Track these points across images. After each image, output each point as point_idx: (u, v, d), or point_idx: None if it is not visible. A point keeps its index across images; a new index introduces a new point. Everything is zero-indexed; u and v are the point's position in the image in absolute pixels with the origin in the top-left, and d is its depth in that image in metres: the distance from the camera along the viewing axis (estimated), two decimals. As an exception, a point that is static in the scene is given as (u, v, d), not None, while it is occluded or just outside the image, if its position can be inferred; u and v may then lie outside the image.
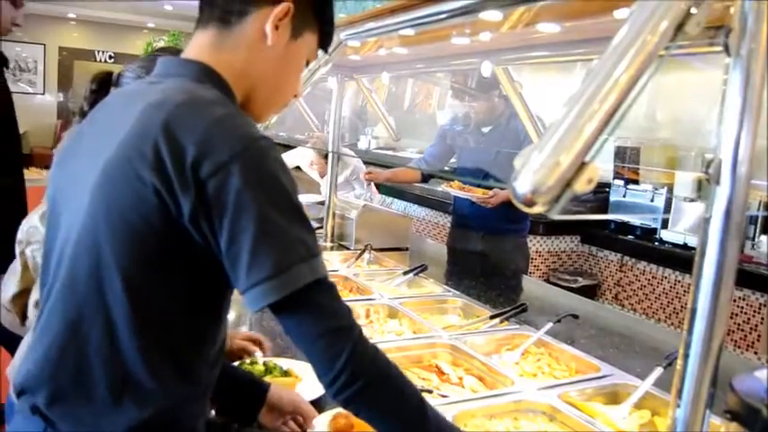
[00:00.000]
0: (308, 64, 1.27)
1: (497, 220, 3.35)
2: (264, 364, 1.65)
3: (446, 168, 3.85)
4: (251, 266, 0.96)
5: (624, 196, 4.43)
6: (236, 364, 1.63)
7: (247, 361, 1.67)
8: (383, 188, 5.11)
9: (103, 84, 1.56)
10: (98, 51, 11.82)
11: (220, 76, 1.12)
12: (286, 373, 1.63)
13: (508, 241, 3.47)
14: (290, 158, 4.73)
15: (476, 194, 3.36)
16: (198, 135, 0.97)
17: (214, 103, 1.03)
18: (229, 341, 1.70)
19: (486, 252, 3.41)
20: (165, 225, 0.97)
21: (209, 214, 0.96)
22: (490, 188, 3.28)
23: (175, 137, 0.96)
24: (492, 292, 2.57)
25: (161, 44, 8.54)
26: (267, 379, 1.55)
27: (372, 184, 4.47)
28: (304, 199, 4.81)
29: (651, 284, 4.24)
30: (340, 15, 2.00)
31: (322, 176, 4.25)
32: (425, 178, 3.96)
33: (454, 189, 3.47)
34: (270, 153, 1.01)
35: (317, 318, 1.01)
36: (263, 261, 0.96)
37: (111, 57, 14.44)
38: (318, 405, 1.48)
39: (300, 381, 1.61)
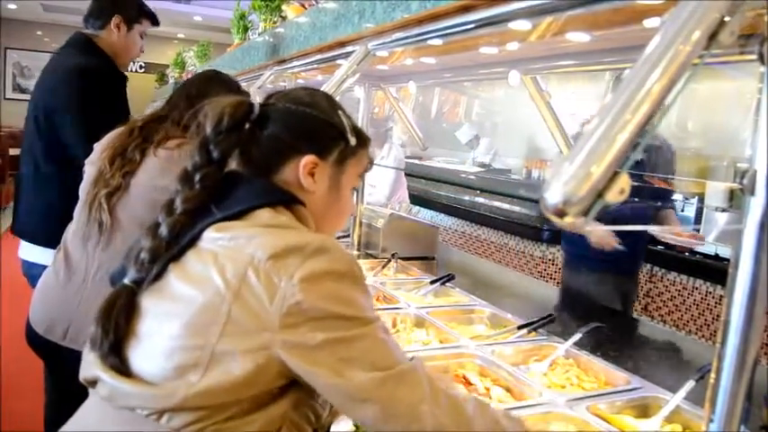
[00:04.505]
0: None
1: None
2: None
3: None
4: None
5: (654, 206, 4.37)
6: None
7: None
8: (411, 197, 5.11)
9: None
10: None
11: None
12: None
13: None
14: None
15: None
16: None
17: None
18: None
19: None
20: None
21: None
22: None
23: None
24: (519, 301, 2.55)
25: (191, 54, 8.66)
26: None
27: (402, 198, 4.49)
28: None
29: (681, 295, 4.17)
30: (368, 25, 2.01)
31: None
32: None
33: None
34: None
35: None
36: None
37: (141, 66, 14.73)
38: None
39: None
